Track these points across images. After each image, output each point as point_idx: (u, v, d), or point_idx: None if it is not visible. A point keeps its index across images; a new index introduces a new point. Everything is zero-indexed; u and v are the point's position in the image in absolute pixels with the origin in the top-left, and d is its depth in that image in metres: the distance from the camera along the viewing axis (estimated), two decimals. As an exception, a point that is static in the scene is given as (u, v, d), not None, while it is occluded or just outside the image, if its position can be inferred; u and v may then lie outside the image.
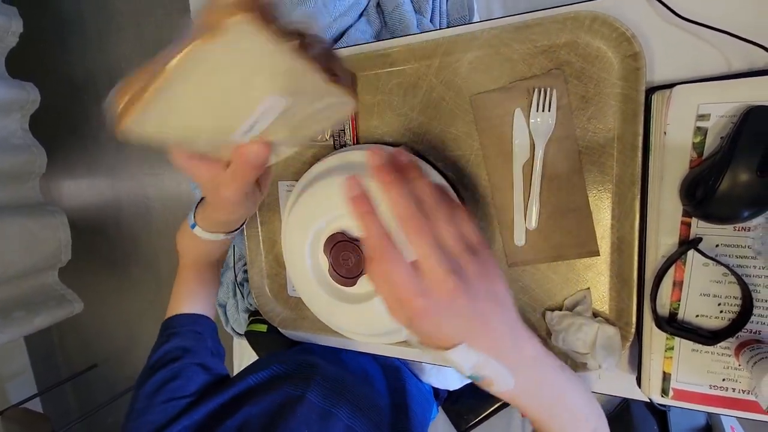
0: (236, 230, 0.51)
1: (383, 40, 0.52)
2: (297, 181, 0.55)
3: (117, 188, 1.73)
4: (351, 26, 0.63)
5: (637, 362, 0.44)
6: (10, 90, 1.25)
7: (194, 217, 0.49)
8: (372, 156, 0.29)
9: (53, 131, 1.72)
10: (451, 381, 0.68)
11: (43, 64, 1.75)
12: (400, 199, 0.29)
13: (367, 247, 0.29)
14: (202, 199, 0.49)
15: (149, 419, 0.44)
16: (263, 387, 0.49)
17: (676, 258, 0.38)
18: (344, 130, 0.53)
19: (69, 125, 1.76)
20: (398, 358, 0.67)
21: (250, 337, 0.76)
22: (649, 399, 0.43)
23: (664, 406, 0.45)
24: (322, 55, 0.26)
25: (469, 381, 0.67)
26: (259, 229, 0.63)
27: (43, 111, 1.36)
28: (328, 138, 0.54)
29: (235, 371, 0.93)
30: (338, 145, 0.54)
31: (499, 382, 0.31)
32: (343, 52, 0.53)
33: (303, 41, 0.25)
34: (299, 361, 0.54)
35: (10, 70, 1.31)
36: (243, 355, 0.91)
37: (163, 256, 1.67)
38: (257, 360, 0.60)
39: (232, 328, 0.83)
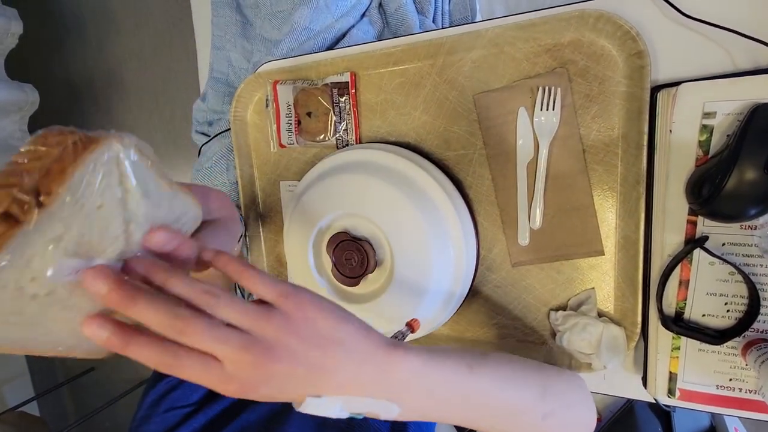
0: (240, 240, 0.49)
1: (385, 39, 0.52)
2: (299, 181, 0.55)
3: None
4: (353, 26, 0.63)
5: (642, 362, 0.44)
6: (9, 91, 1.25)
7: None
8: (95, 283, 0.22)
9: (52, 133, 1.72)
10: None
11: (42, 65, 1.75)
12: (149, 312, 0.23)
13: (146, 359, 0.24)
14: None
15: (149, 429, 0.44)
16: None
17: (682, 257, 0.38)
18: (347, 130, 0.53)
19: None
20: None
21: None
22: (655, 400, 0.43)
23: (669, 407, 0.44)
24: (51, 166, 0.20)
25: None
26: (261, 230, 0.63)
27: (42, 112, 1.36)
28: (330, 138, 0.53)
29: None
30: (341, 144, 0.54)
31: (381, 413, 0.29)
32: (345, 52, 0.53)
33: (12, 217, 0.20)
34: None
35: (9, 72, 1.31)
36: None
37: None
38: None
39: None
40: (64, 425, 1.64)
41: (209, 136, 0.75)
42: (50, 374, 2.04)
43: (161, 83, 1.51)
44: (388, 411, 0.29)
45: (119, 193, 0.23)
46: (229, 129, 0.62)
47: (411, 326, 0.42)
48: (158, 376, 0.49)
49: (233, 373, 0.24)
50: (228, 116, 0.61)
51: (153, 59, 1.51)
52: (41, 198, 0.20)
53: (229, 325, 0.24)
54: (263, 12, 0.72)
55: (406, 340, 0.39)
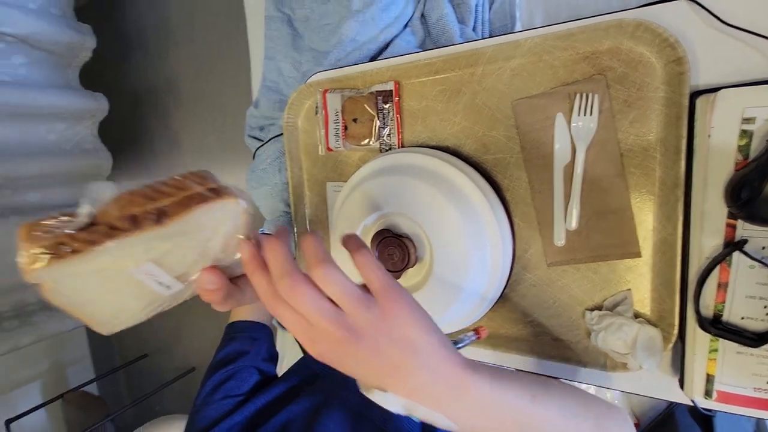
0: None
1: (427, 49, 0.55)
2: (344, 182, 0.59)
3: (170, 190, 1.86)
4: (396, 36, 0.67)
5: (679, 364, 0.44)
6: (84, 100, 1.39)
7: None
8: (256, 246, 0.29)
9: (117, 137, 1.88)
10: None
11: (111, 76, 1.92)
12: (274, 259, 0.28)
13: (262, 297, 0.29)
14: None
15: (207, 414, 0.50)
16: (304, 387, 0.54)
17: (720, 259, 0.39)
18: (390, 135, 0.57)
19: (130, 132, 1.91)
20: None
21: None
22: (692, 401, 0.43)
23: (710, 411, 0.44)
24: (182, 199, 0.26)
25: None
26: (308, 228, 0.68)
27: (109, 119, 1.50)
28: (374, 142, 0.57)
29: (279, 362, 0.98)
30: (384, 148, 0.58)
31: (439, 424, 0.30)
32: (390, 62, 0.57)
33: (136, 222, 0.25)
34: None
35: (83, 82, 1.45)
36: (285, 348, 0.96)
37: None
38: (299, 360, 0.64)
39: (278, 322, 0.88)
40: (120, 406, 1.78)
41: (261, 140, 0.81)
42: (109, 358, 2.22)
43: (215, 92, 1.62)
44: (446, 424, 0.30)
45: (209, 234, 0.29)
46: (282, 134, 0.67)
47: (478, 333, 0.44)
48: (215, 368, 0.55)
49: (317, 339, 0.28)
50: (279, 122, 0.67)
51: (207, 69, 1.63)
52: (163, 219, 0.26)
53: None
54: (312, 25, 0.78)
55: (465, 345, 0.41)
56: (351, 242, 0.31)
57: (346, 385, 0.51)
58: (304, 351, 0.78)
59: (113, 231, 0.25)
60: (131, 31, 1.83)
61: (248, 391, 0.53)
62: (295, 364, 0.63)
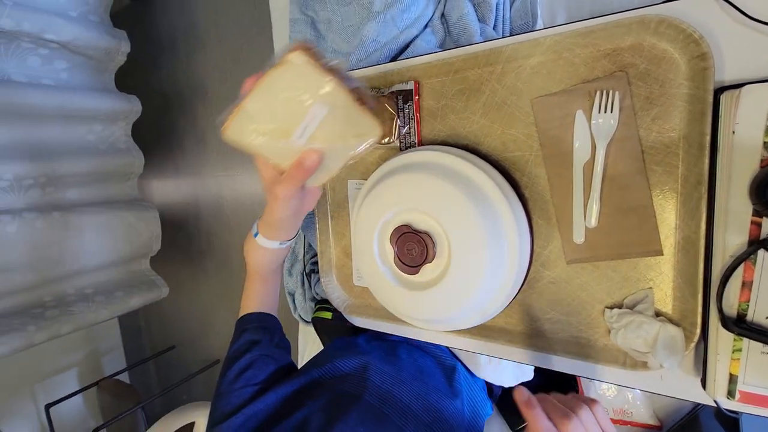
0: (290, 240, 0.60)
1: (447, 49, 0.56)
2: (365, 179, 0.61)
3: (197, 188, 1.93)
4: (416, 36, 0.68)
5: (702, 364, 0.44)
6: (119, 102, 1.46)
7: (257, 227, 0.59)
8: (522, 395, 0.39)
9: (148, 137, 1.96)
10: (506, 377, 0.69)
11: (142, 78, 2.00)
12: (551, 404, 0.39)
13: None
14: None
15: (230, 401, 0.53)
16: (324, 382, 0.55)
17: (744, 257, 0.38)
18: (409, 133, 0.58)
19: (159, 132, 1.99)
20: (453, 354, 0.70)
21: (316, 323, 0.83)
22: (715, 402, 0.43)
23: (735, 413, 0.44)
24: (354, 88, 0.40)
25: (524, 379, 0.68)
26: (329, 223, 0.70)
27: (140, 119, 1.57)
28: (394, 140, 0.58)
29: (300, 355, 1.01)
30: (404, 146, 0.59)
31: None
32: (411, 62, 0.58)
33: (339, 74, 0.39)
34: (356, 363, 0.59)
35: (118, 85, 1.53)
36: (307, 340, 0.99)
37: (234, 252, 1.83)
38: (319, 353, 0.66)
39: (300, 315, 0.91)
40: (149, 395, 1.86)
41: (285, 139, 0.84)
42: (140, 349, 2.32)
43: (239, 93, 1.67)
44: None
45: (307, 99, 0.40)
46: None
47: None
48: (232, 359, 0.58)
49: None
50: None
51: (233, 71, 1.68)
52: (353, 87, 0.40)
53: None
54: (334, 27, 0.80)
55: None
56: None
57: (366, 385, 0.53)
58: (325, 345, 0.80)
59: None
60: (162, 35, 1.91)
61: (266, 380, 0.56)
62: (316, 356, 0.65)
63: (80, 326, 1.31)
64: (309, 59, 0.37)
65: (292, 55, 0.37)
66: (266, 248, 0.60)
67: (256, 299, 0.66)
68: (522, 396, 0.39)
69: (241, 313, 0.66)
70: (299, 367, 0.62)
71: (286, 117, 0.41)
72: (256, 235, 0.59)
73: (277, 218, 0.54)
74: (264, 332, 0.62)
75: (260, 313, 0.65)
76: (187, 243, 2.00)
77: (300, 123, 0.41)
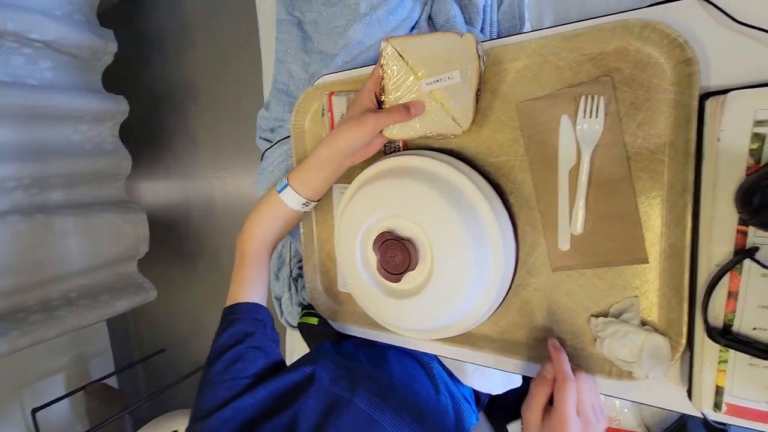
0: (313, 203, 0.60)
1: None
2: (349, 183, 0.60)
3: (188, 189, 1.90)
4: (403, 38, 0.67)
5: (688, 375, 0.43)
6: (105, 102, 1.43)
7: (286, 179, 0.58)
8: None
9: (136, 137, 1.93)
10: (493, 384, 0.68)
11: (131, 78, 1.98)
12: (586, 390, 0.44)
13: (561, 374, 0.45)
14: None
15: (218, 392, 0.50)
16: (315, 380, 0.54)
17: (730, 267, 0.37)
18: (394, 137, 0.57)
19: (149, 132, 1.97)
20: (440, 363, 0.69)
21: (302, 328, 0.82)
22: (702, 414, 0.42)
23: (723, 424, 0.43)
24: (480, 85, 0.48)
25: (512, 386, 0.67)
26: (314, 228, 0.69)
27: (129, 119, 1.54)
28: (379, 144, 0.57)
29: (287, 360, 1.00)
30: (388, 150, 0.58)
31: None
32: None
33: (482, 65, 0.47)
34: (348, 366, 0.58)
35: (105, 85, 1.50)
36: (294, 345, 0.97)
37: (225, 254, 1.80)
38: (310, 353, 0.65)
39: (286, 320, 0.90)
40: (138, 399, 1.83)
41: (271, 142, 0.82)
42: (128, 352, 2.29)
43: (230, 93, 1.65)
44: None
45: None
46: (290, 136, 0.68)
47: None
48: (223, 349, 0.55)
49: (575, 414, 0.42)
50: (288, 124, 0.67)
51: (223, 71, 1.66)
52: None
53: None
54: (321, 28, 0.78)
55: None
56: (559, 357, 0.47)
57: (358, 389, 0.51)
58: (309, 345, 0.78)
59: None
60: (151, 34, 1.88)
61: (256, 374, 0.54)
62: (307, 355, 0.63)
63: (65, 331, 1.28)
64: (474, 40, 0.46)
65: (466, 34, 0.46)
66: (281, 210, 0.59)
67: (248, 287, 0.63)
68: (554, 342, 0.48)
69: (231, 301, 0.62)
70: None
71: (429, 63, 0.48)
72: (283, 188, 0.58)
73: (334, 153, 0.54)
74: (257, 324, 0.59)
75: (253, 303, 0.62)
76: (178, 244, 1.98)
77: (436, 74, 0.48)
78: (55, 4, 1.29)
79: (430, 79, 0.48)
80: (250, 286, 0.63)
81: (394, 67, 0.50)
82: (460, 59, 0.46)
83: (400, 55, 0.49)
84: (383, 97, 0.51)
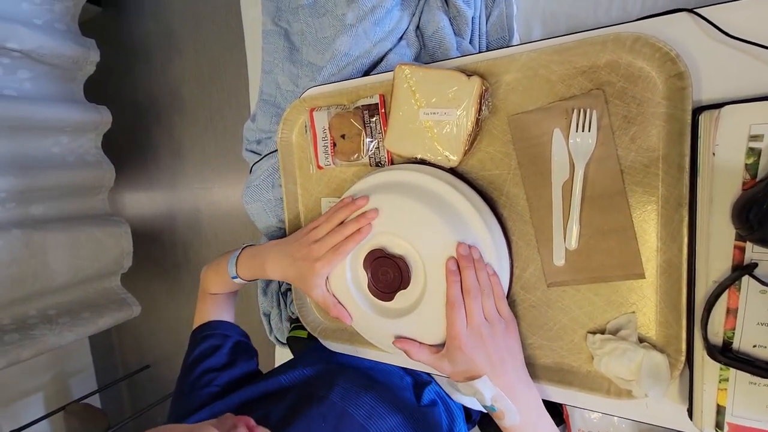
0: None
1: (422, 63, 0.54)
2: (339, 198, 0.58)
3: (173, 201, 1.86)
4: (390, 50, 0.66)
5: (688, 392, 0.42)
6: (87, 113, 1.40)
7: (235, 268, 0.59)
8: (462, 248, 0.45)
9: (120, 149, 1.89)
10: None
11: (114, 88, 1.94)
12: (470, 277, 0.44)
13: (448, 300, 0.45)
14: (242, 249, 0.60)
15: (192, 401, 0.52)
16: (292, 387, 0.53)
17: (728, 284, 0.36)
18: (379, 149, 0.55)
19: (133, 143, 1.92)
20: (431, 376, 0.67)
21: (291, 342, 0.79)
22: (702, 433, 0.41)
23: (722, 441, 0.42)
24: (479, 121, 0.48)
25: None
26: (302, 243, 0.67)
27: (113, 130, 1.51)
28: (363, 156, 0.56)
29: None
30: (374, 163, 0.56)
31: (508, 417, 0.43)
32: (384, 77, 0.56)
33: (483, 105, 0.47)
34: (325, 369, 0.58)
35: (87, 95, 1.47)
36: (285, 360, 0.94)
37: (212, 266, 1.77)
38: (291, 360, 0.63)
39: (276, 337, 0.87)
40: (121, 418, 1.77)
41: (258, 154, 0.80)
42: (111, 369, 2.21)
43: (216, 103, 1.63)
44: (513, 418, 0.43)
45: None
46: (277, 150, 0.66)
47: None
48: (195, 362, 0.57)
49: (470, 333, 0.43)
50: (275, 136, 0.66)
51: (209, 81, 1.64)
52: None
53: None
54: (308, 39, 0.77)
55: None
56: (496, 288, 0.47)
57: (334, 388, 0.50)
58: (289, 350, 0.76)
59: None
60: (136, 44, 1.85)
61: (229, 382, 0.56)
62: (285, 363, 0.62)
63: (42, 350, 1.23)
64: (480, 85, 0.46)
65: (475, 77, 0.46)
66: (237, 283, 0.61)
67: (215, 309, 0.65)
68: (449, 264, 0.45)
69: (199, 322, 0.64)
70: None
71: (431, 96, 0.48)
72: (234, 277, 0.59)
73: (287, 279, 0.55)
74: (226, 338, 0.62)
75: (221, 321, 0.64)
76: (163, 258, 1.93)
77: (435, 107, 0.48)
78: (35, 13, 1.26)
79: (428, 110, 0.48)
80: (217, 308, 0.66)
81: (401, 92, 0.50)
82: (461, 99, 0.46)
83: (408, 82, 0.49)
84: (390, 115, 0.52)
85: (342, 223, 0.51)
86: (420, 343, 0.47)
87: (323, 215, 0.54)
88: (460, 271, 0.45)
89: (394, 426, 0.48)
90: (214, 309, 0.65)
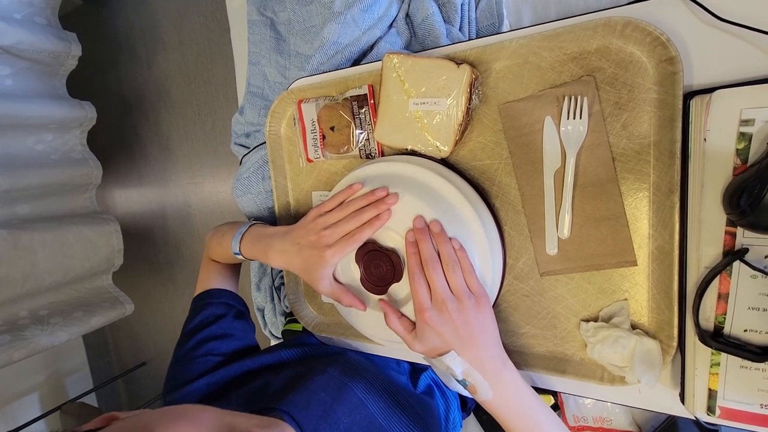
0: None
1: (413, 51, 0.53)
2: (329, 191, 0.57)
3: (163, 197, 1.84)
4: (380, 38, 0.64)
5: (680, 377, 0.42)
6: (71, 109, 1.36)
7: (239, 243, 0.56)
8: (417, 221, 0.44)
9: (107, 145, 1.86)
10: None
11: (99, 83, 1.90)
12: (426, 248, 0.43)
13: (408, 272, 0.44)
14: (249, 226, 0.57)
15: (192, 368, 0.51)
16: (291, 362, 0.54)
17: (720, 269, 0.37)
18: (369, 141, 0.55)
19: (120, 139, 1.89)
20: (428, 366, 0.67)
21: (287, 336, 0.79)
22: (695, 417, 0.41)
23: (713, 424, 0.42)
24: (469, 111, 0.47)
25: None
26: (294, 238, 0.66)
27: (99, 126, 1.47)
28: (353, 148, 0.55)
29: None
30: (364, 154, 0.55)
31: (480, 391, 0.42)
32: (374, 66, 0.55)
33: (473, 93, 0.46)
34: (327, 350, 0.59)
35: (70, 91, 1.43)
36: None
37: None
38: (291, 339, 0.63)
39: (270, 332, 0.87)
40: (119, 416, 1.76)
41: (247, 147, 0.79)
42: (107, 368, 2.20)
43: (203, 97, 1.60)
44: (485, 392, 0.42)
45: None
46: (266, 142, 0.65)
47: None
48: (196, 330, 0.55)
49: (434, 307, 0.42)
50: (264, 129, 0.64)
51: (196, 74, 1.60)
52: None
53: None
54: (296, 28, 0.75)
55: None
56: (461, 253, 0.44)
57: (333, 364, 0.50)
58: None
59: None
60: (119, 37, 1.81)
61: (229, 353, 0.54)
62: (287, 340, 0.62)
63: (35, 351, 1.22)
64: (469, 73, 0.44)
65: (464, 65, 0.45)
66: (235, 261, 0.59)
67: (218, 278, 0.63)
68: (408, 236, 0.45)
69: (201, 289, 0.62)
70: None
71: (421, 85, 0.47)
72: (236, 253, 0.57)
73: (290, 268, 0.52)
74: (229, 308, 0.60)
75: (224, 289, 0.62)
76: (154, 254, 1.91)
77: (424, 97, 0.47)
78: (13, 7, 1.22)
79: (418, 100, 0.47)
80: (220, 277, 0.64)
81: (389, 82, 0.48)
82: (452, 88, 0.45)
83: (397, 71, 0.48)
84: (379, 106, 0.51)
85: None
86: (402, 314, 0.46)
87: (330, 200, 0.50)
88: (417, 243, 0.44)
89: (389, 404, 0.48)
90: (217, 277, 0.63)
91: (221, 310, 0.59)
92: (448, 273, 0.43)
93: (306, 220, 0.50)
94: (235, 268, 0.67)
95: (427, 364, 0.64)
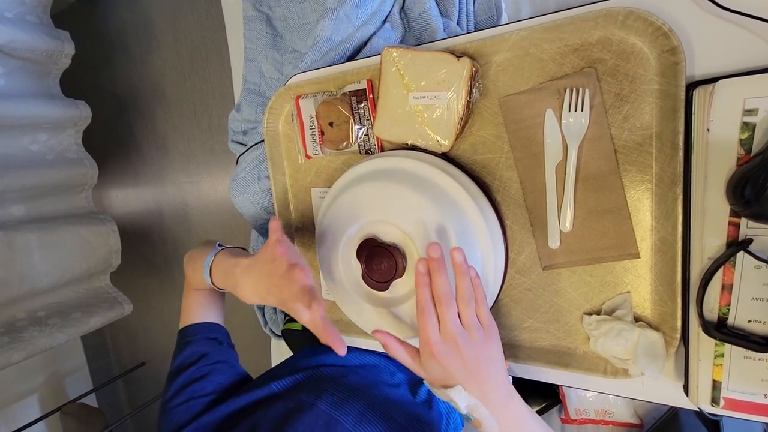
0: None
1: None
2: (329, 187, 0.57)
3: (160, 196, 1.83)
4: (374, 34, 0.64)
5: (684, 369, 0.42)
6: (65, 109, 1.35)
7: (209, 272, 0.54)
8: (433, 249, 0.40)
9: (103, 144, 1.84)
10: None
11: (93, 81, 1.88)
12: (442, 284, 0.40)
13: (417, 304, 0.41)
14: (215, 255, 0.54)
15: (176, 416, 0.49)
16: (282, 394, 0.52)
17: (724, 260, 0.36)
18: (368, 136, 0.54)
19: (116, 138, 1.87)
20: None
21: (287, 335, 0.79)
22: (699, 408, 0.41)
23: (716, 415, 0.42)
24: (469, 107, 0.47)
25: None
26: (294, 235, 0.65)
27: (93, 125, 1.46)
28: (352, 144, 0.55)
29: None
30: (364, 150, 0.55)
31: (485, 425, 0.40)
32: (370, 61, 0.54)
33: (473, 87, 0.45)
34: (318, 374, 0.56)
35: (64, 90, 1.41)
36: (281, 354, 0.94)
37: (203, 260, 1.75)
38: (281, 364, 0.62)
39: (271, 330, 0.86)
40: (120, 416, 1.76)
41: (244, 145, 0.78)
42: (106, 368, 2.19)
43: (199, 94, 1.59)
44: (491, 427, 0.40)
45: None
46: (263, 140, 0.64)
47: None
48: (176, 373, 0.53)
49: (443, 341, 0.39)
50: (261, 126, 0.64)
51: (191, 71, 1.59)
52: None
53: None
54: (291, 25, 0.75)
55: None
56: (476, 281, 0.42)
57: (322, 394, 0.49)
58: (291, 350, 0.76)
59: None
60: (113, 35, 1.79)
61: (215, 391, 0.52)
62: (276, 367, 0.61)
63: (33, 352, 1.21)
64: (470, 66, 0.44)
65: (464, 58, 0.44)
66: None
67: (198, 308, 0.61)
68: (419, 266, 0.41)
69: (183, 324, 0.61)
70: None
71: (421, 79, 0.46)
72: (207, 278, 0.54)
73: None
74: (211, 343, 0.58)
75: (206, 323, 0.60)
76: (152, 254, 1.90)
77: (424, 91, 0.46)
78: (5, 6, 1.20)
79: (418, 94, 0.47)
80: (200, 309, 0.62)
81: (389, 76, 0.48)
82: (452, 82, 0.45)
83: (396, 65, 0.47)
84: (378, 100, 0.50)
85: None
86: (400, 341, 0.43)
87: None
88: (431, 274, 0.40)
89: (384, 430, 0.48)
90: (197, 309, 0.61)
91: (203, 348, 0.56)
92: (461, 307, 0.40)
93: (267, 249, 0.47)
94: (215, 293, 0.64)
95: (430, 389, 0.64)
